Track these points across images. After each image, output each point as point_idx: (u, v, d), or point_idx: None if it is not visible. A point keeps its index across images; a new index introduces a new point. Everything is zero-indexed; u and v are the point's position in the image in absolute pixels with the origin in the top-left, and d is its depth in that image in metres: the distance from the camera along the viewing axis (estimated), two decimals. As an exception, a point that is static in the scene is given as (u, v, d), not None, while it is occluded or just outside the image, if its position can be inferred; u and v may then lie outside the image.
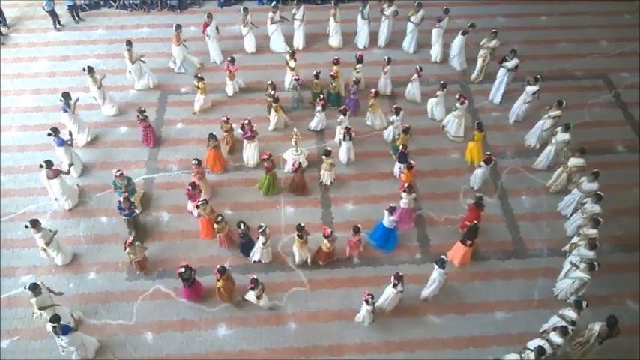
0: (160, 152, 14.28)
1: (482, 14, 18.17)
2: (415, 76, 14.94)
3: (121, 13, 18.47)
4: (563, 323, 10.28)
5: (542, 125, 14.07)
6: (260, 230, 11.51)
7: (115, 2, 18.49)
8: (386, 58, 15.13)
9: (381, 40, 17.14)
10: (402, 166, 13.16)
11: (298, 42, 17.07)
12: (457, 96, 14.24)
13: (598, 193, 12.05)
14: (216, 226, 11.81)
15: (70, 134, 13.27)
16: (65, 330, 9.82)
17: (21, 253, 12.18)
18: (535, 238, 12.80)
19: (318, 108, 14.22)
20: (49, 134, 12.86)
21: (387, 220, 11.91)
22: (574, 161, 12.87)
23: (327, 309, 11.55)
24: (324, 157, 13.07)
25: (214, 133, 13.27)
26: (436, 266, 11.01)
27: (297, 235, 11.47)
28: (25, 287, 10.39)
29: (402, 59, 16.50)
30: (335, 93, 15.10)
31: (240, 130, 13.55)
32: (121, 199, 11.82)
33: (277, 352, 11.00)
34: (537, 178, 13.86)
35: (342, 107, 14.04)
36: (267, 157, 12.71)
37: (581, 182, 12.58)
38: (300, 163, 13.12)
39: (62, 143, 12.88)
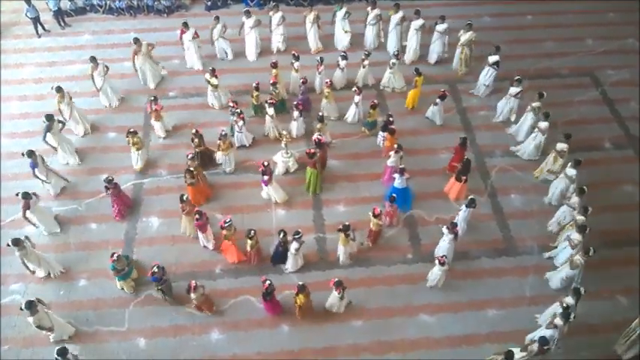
0: (149, 157, 14.21)
1: (469, 14, 18.20)
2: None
3: (108, 18, 18.38)
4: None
5: (524, 118, 14.45)
6: (297, 237, 11.39)
7: (102, 7, 18.38)
8: (319, 58, 15.08)
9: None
10: (384, 134, 13.83)
11: (275, 45, 17.01)
12: (394, 52, 15.64)
13: (582, 187, 12.18)
14: (249, 241, 11.54)
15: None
16: None
17: (11, 261, 12.06)
18: (525, 235, 12.86)
19: (240, 123, 13.82)
20: (23, 155, 12.45)
21: (399, 181, 12.52)
22: (560, 145, 13.14)
23: (320, 311, 11.52)
24: (318, 123, 13.56)
25: (191, 169, 12.57)
26: (465, 207, 12.03)
27: (345, 235, 11.50)
28: (21, 308, 10.14)
29: (384, 60, 16.23)
30: (279, 100, 14.70)
31: (263, 179, 12.63)
32: (155, 269, 10.74)
33: (270, 356, 10.98)
34: (527, 176, 13.95)
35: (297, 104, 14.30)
36: (312, 152, 12.72)
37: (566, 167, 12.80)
38: (322, 136, 13.35)
39: (35, 166, 12.48)
